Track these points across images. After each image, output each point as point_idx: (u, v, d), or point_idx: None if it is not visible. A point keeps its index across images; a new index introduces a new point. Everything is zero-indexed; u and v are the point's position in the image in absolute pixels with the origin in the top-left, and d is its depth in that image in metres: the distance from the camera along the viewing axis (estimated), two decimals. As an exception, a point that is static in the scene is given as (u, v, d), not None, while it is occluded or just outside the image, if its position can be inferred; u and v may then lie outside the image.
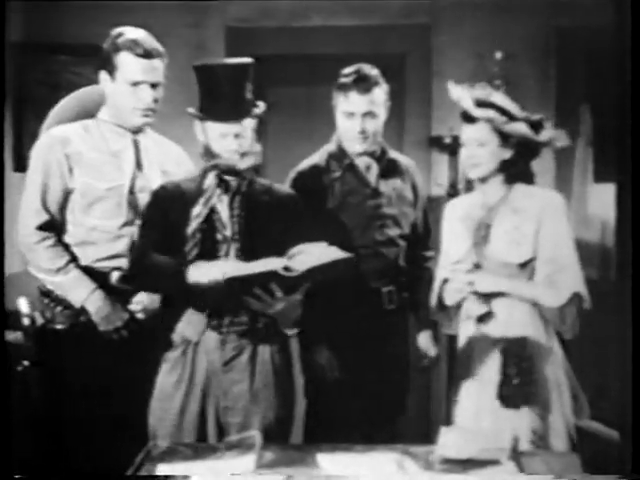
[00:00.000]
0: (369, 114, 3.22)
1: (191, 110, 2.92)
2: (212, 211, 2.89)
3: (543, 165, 3.11)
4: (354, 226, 3.26)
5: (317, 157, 3.36)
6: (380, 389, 3.32)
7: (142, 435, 2.85)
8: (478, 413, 2.92)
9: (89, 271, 3.03)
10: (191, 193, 2.91)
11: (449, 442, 2.53)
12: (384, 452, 2.57)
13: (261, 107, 2.94)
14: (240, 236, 2.88)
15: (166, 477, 2.41)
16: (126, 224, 3.04)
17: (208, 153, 2.89)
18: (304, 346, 3.27)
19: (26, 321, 3.15)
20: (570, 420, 2.92)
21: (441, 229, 3.16)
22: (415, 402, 3.75)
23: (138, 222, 3.00)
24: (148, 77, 3.01)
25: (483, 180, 2.98)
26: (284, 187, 3.11)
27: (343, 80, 3.23)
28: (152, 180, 3.08)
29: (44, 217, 3.01)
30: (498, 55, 3.81)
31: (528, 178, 3.02)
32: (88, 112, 3.15)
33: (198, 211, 2.87)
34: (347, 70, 3.25)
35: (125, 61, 2.99)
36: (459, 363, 3.07)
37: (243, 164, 2.88)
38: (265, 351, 2.92)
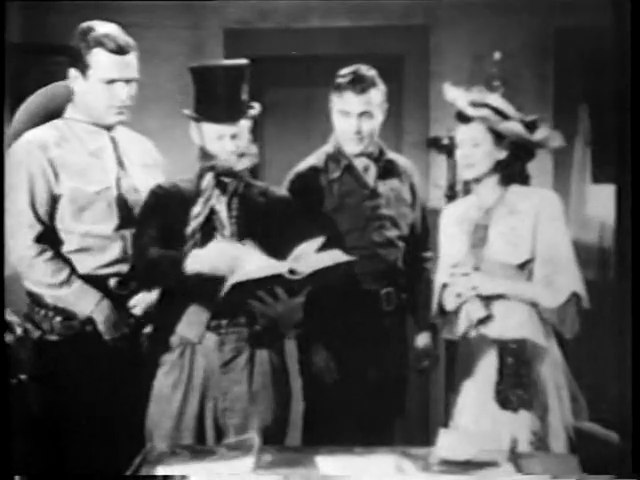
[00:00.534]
0: (365, 115, 3.22)
1: (187, 112, 2.92)
2: (211, 212, 2.89)
3: (541, 166, 3.12)
4: (352, 227, 3.26)
5: (315, 158, 3.36)
6: (378, 391, 3.32)
7: (140, 437, 2.85)
8: (477, 415, 2.92)
9: (88, 279, 2.96)
10: (189, 193, 2.91)
11: (447, 444, 2.52)
12: (383, 454, 2.57)
13: (257, 108, 2.94)
14: (238, 237, 2.88)
15: (164, 477, 2.41)
16: (119, 226, 2.98)
17: (205, 155, 2.90)
18: (303, 348, 3.27)
19: (19, 331, 3.03)
20: (569, 421, 2.92)
21: (439, 232, 3.16)
22: (414, 404, 3.75)
23: (131, 223, 2.96)
24: (123, 74, 2.91)
25: (478, 180, 2.98)
26: (280, 189, 3.11)
27: (339, 80, 3.24)
28: (136, 177, 3.03)
29: (38, 228, 2.90)
30: (496, 56, 3.80)
31: (523, 180, 3.03)
32: (54, 111, 3.04)
33: (198, 211, 2.88)
34: (344, 71, 3.25)
35: (99, 59, 2.89)
36: (458, 365, 3.07)
37: (240, 165, 2.89)
38: (263, 352, 2.92)
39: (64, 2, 4.06)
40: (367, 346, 3.27)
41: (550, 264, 2.90)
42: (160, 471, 2.44)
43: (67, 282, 2.91)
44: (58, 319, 2.94)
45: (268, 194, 3.00)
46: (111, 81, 2.91)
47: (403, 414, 3.45)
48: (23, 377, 2.93)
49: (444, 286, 3.02)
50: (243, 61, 2.94)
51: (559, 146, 3.02)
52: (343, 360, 3.24)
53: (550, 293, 2.89)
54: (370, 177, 3.33)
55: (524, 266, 2.93)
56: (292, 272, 2.68)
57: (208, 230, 2.87)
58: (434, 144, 4.43)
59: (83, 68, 2.91)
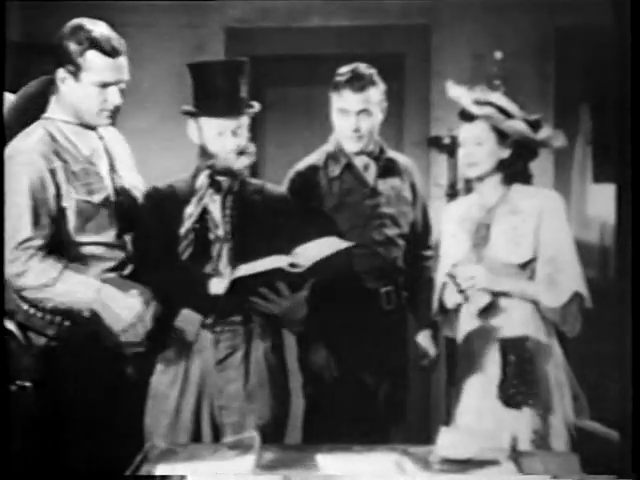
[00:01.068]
0: (363, 113, 3.22)
1: (186, 107, 2.91)
2: (204, 211, 2.89)
3: (542, 165, 3.12)
4: (352, 226, 3.26)
5: (315, 157, 3.36)
6: (379, 389, 3.32)
7: (139, 436, 2.85)
8: (478, 413, 2.92)
9: None
10: (184, 193, 2.91)
11: (448, 442, 2.52)
12: (383, 452, 2.57)
13: (256, 107, 2.94)
14: (233, 236, 2.88)
15: (163, 477, 2.41)
16: (120, 233, 2.91)
17: (205, 153, 2.89)
18: (303, 346, 3.27)
19: (21, 339, 2.92)
20: (570, 420, 2.92)
21: (441, 232, 3.16)
22: (414, 402, 3.75)
23: (130, 227, 2.92)
24: (117, 77, 2.81)
25: (480, 179, 2.98)
26: (276, 187, 3.10)
27: (338, 79, 3.23)
28: (127, 179, 2.97)
29: (31, 233, 2.73)
30: (497, 55, 3.80)
31: (526, 179, 3.03)
32: (36, 111, 2.89)
33: (190, 211, 2.87)
34: (343, 69, 3.25)
35: (93, 61, 2.77)
36: (459, 363, 3.07)
37: (239, 163, 2.88)
38: (259, 350, 2.92)
39: (64, 2, 4.06)
40: (367, 344, 3.27)
41: (552, 264, 2.90)
42: (160, 470, 2.44)
43: (60, 277, 2.76)
44: (63, 322, 2.83)
45: (264, 192, 2.99)
46: (106, 84, 2.80)
47: (404, 412, 3.45)
48: (28, 384, 2.85)
49: (445, 284, 3.02)
50: (242, 58, 2.94)
51: (562, 146, 3.02)
52: (343, 358, 3.24)
53: (552, 293, 2.89)
54: (370, 176, 3.33)
55: (526, 265, 2.94)
56: (293, 266, 2.67)
57: (202, 230, 2.87)
58: (435, 143, 4.43)
59: (75, 69, 2.79)
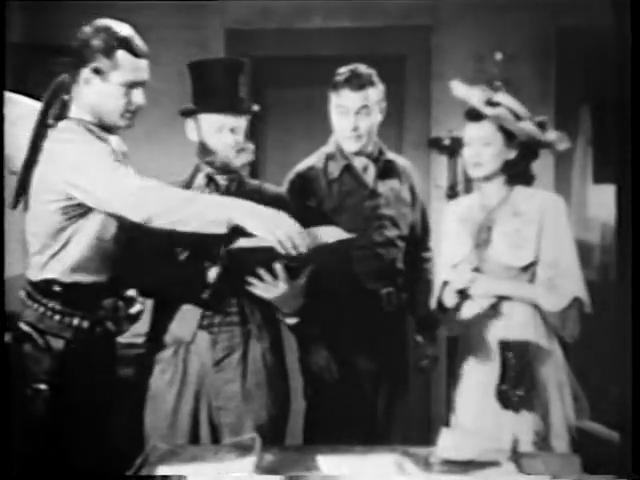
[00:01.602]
0: (362, 112, 3.21)
1: (184, 107, 2.91)
2: None
3: (542, 166, 3.11)
4: (352, 227, 3.24)
5: (315, 158, 3.36)
6: (379, 390, 3.32)
7: (139, 437, 2.85)
8: (478, 414, 2.91)
9: None
10: None
11: (449, 443, 2.52)
12: (384, 453, 2.57)
13: (255, 107, 2.94)
14: None
15: (163, 477, 2.41)
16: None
17: (204, 150, 2.89)
18: (303, 347, 3.27)
19: (40, 342, 2.86)
20: (571, 421, 2.92)
21: (441, 231, 3.16)
22: (415, 403, 3.75)
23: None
24: (143, 77, 2.78)
25: (485, 179, 2.96)
26: (274, 187, 3.10)
27: (337, 78, 3.23)
28: None
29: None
30: (498, 56, 3.79)
31: (528, 180, 3.02)
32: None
33: None
34: (342, 69, 3.25)
35: (125, 60, 2.73)
36: (459, 364, 3.07)
37: (238, 161, 2.89)
38: (256, 350, 2.92)
39: (64, 2, 4.07)
40: (367, 346, 3.27)
41: (553, 268, 2.89)
42: (161, 471, 2.44)
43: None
44: (81, 323, 2.76)
45: (262, 192, 2.99)
46: (133, 84, 2.76)
47: (404, 413, 3.45)
48: (43, 387, 2.81)
49: (445, 284, 3.01)
50: (241, 58, 2.95)
51: (566, 148, 3.01)
52: (344, 360, 3.24)
53: (552, 297, 2.89)
54: (369, 177, 3.33)
55: (527, 268, 2.93)
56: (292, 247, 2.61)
57: None
58: (435, 144, 4.44)
59: (104, 69, 2.74)
